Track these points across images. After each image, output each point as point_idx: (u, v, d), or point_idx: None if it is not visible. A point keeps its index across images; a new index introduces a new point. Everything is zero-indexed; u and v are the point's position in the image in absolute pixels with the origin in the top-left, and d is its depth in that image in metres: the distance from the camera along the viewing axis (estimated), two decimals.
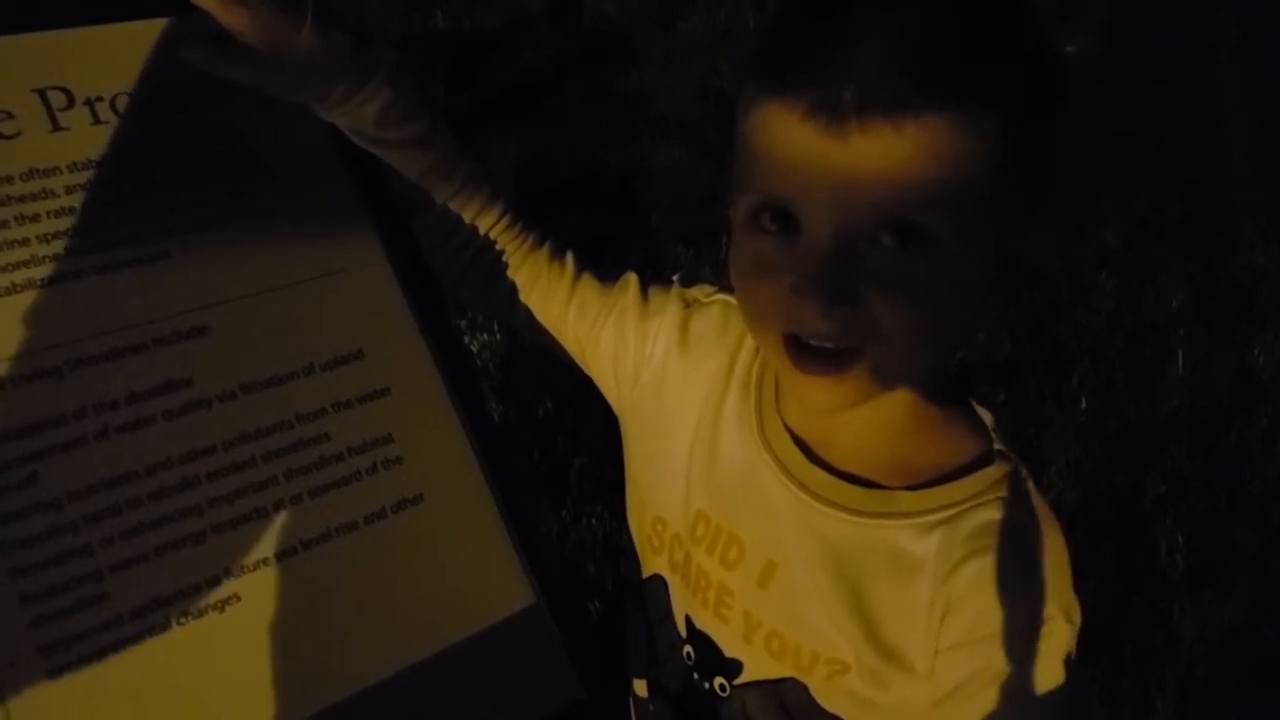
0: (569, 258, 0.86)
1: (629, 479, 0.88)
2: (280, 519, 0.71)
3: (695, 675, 0.83)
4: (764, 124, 0.63)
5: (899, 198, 0.59)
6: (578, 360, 0.88)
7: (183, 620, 0.67)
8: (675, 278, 0.87)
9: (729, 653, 0.80)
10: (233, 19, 0.72)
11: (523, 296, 0.86)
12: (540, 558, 0.79)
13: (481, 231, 0.84)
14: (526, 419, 2.26)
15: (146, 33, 0.76)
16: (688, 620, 0.83)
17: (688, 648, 0.83)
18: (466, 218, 0.83)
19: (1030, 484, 0.72)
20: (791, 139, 0.61)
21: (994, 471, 0.71)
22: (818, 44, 0.61)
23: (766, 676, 0.78)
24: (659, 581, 0.85)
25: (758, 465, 0.76)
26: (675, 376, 0.82)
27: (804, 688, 0.76)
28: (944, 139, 0.59)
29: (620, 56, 3.85)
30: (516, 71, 3.77)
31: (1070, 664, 0.70)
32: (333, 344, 0.76)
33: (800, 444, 0.74)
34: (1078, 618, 0.71)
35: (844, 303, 0.62)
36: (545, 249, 0.86)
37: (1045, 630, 0.69)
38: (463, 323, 2.34)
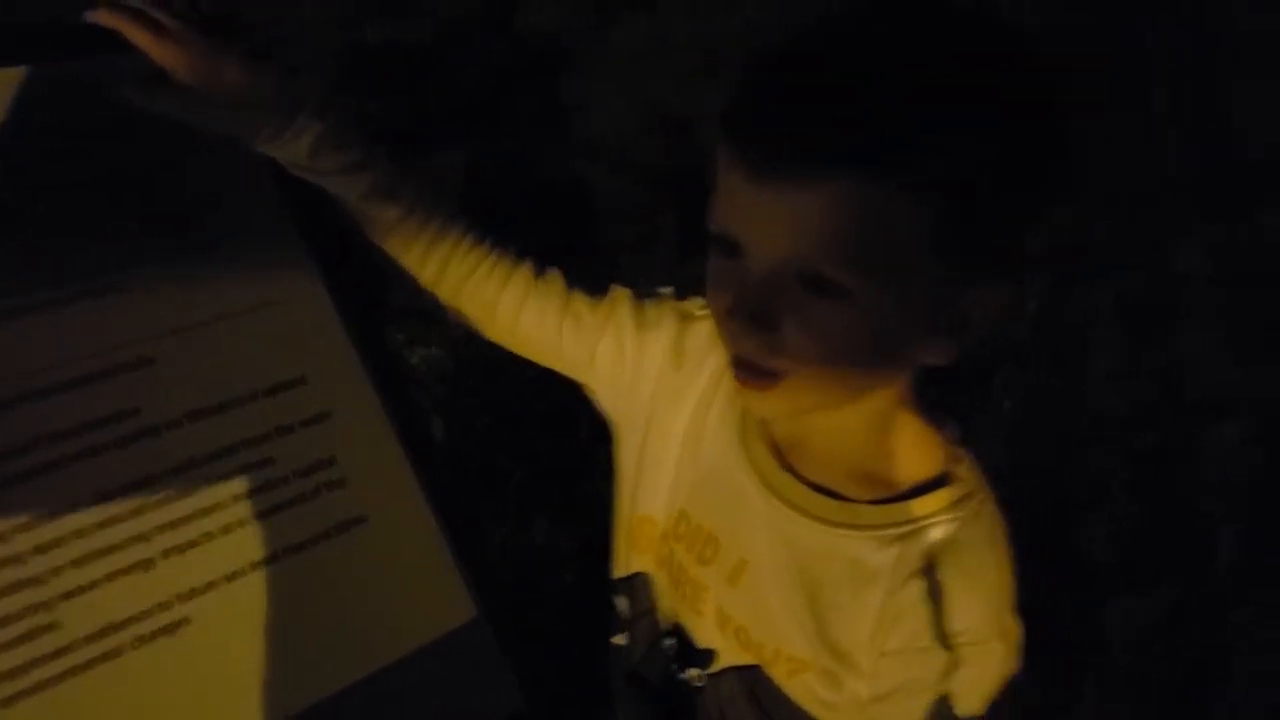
0: (555, 275, 0.88)
1: (619, 481, 0.91)
2: (227, 542, 0.73)
3: (674, 666, 0.87)
4: (720, 162, 0.67)
5: (807, 250, 0.63)
6: (571, 373, 0.90)
7: (134, 646, 0.69)
8: (667, 290, 0.90)
9: (703, 644, 0.85)
10: (166, 57, 0.75)
11: (511, 316, 0.87)
12: (483, 572, 0.82)
13: (447, 254, 0.85)
14: (466, 432, 2.27)
15: (85, 71, 0.78)
16: (671, 613, 0.87)
17: (669, 640, 0.88)
18: (425, 241, 0.84)
19: (988, 504, 0.75)
20: (732, 180, 0.65)
21: (953, 492, 0.74)
22: (756, 95, 0.65)
23: (738, 664, 0.82)
24: (643, 578, 0.89)
25: (736, 469, 0.80)
26: (670, 387, 0.86)
27: (771, 677, 0.81)
28: (853, 202, 0.61)
29: (556, 68, 3.86)
30: (452, 84, 3.76)
31: (1002, 683, 0.74)
32: (274, 370, 0.78)
33: (777, 452, 0.79)
34: (1016, 638, 0.75)
35: (763, 328, 0.66)
36: (527, 267, 0.88)
37: (979, 649, 0.73)
38: (400, 337, 2.35)
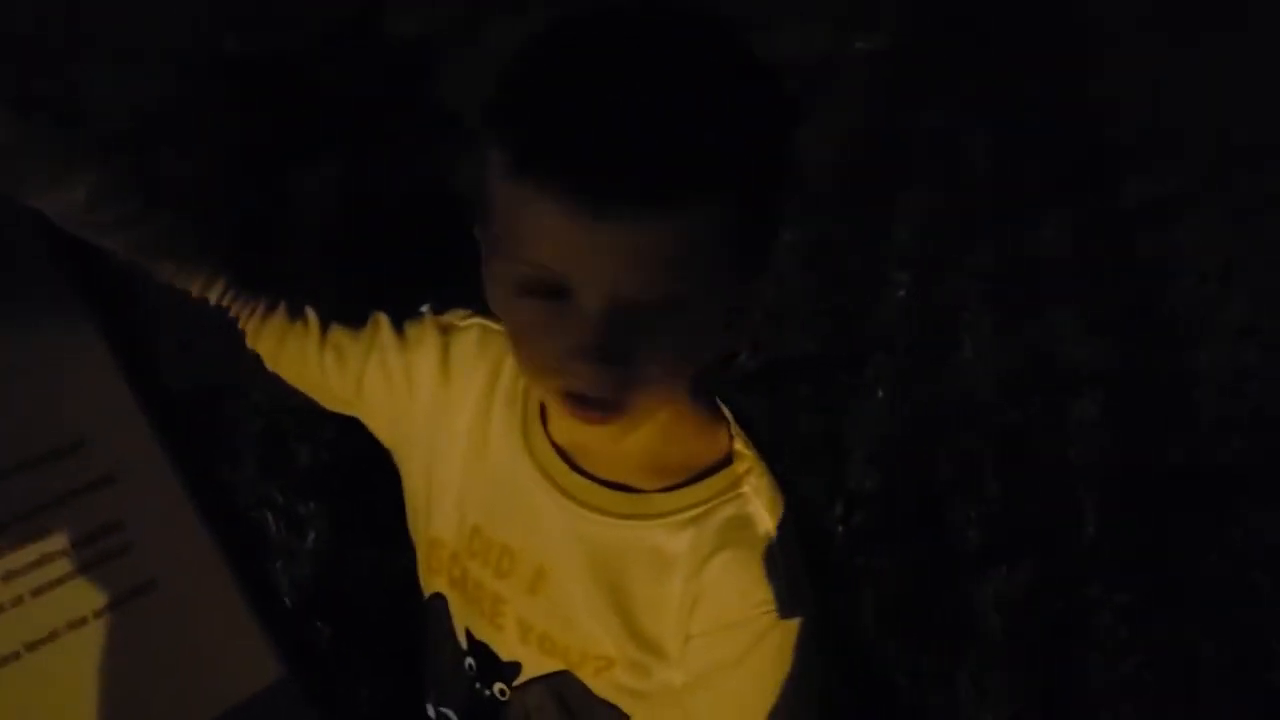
0: (309, 314, 0.86)
1: (409, 507, 0.91)
2: (2, 623, 0.70)
3: (477, 684, 0.87)
4: (526, 205, 0.65)
5: (649, 278, 0.64)
6: (343, 408, 0.89)
7: None
8: (425, 309, 0.88)
9: (506, 657, 0.84)
10: None
11: (272, 362, 0.87)
12: (287, 628, 0.80)
13: (212, 305, 0.83)
14: (336, 457, 2.23)
15: None
16: (468, 633, 0.87)
17: (469, 659, 0.87)
18: (198, 289, 0.82)
19: (766, 477, 0.78)
20: (557, 222, 0.63)
21: (735, 469, 0.77)
22: (567, 132, 0.63)
23: (543, 673, 0.83)
24: (439, 600, 0.89)
25: (524, 476, 0.80)
26: (442, 402, 0.85)
27: (578, 680, 0.81)
28: (683, 224, 0.63)
29: (425, 72, 3.81)
30: (319, 94, 3.69)
31: (801, 648, 0.77)
32: (50, 435, 0.75)
33: (562, 453, 0.79)
34: (808, 604, 0.78)
35: (616, 365, 0.67)
36: (281, 311, 0.86)
37: (778, 618, 0.75)
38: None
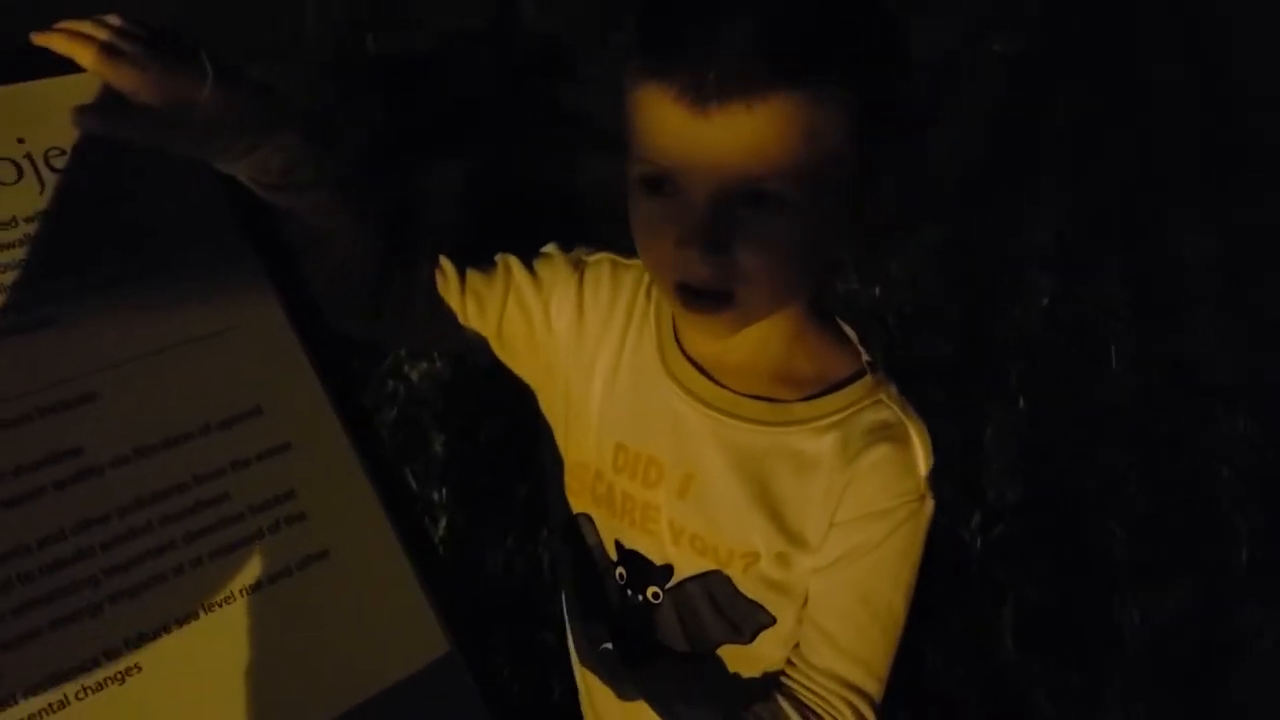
0: (445, 263, 0.90)
1: (555, 432, 0.95)
2: (180, 584, 0.70)
3: (629, 592, 0.92)
4: (644, 103, 0.72)
5: (755, 168, 0.70)
6: (492, 346, 0.92)
7: (81, 695, 0.65)
8: (550, 247, 0.93)
9: (659, 561, 0.90)
10: (125, 81, 0.71)
11: (417, 311, 0.89)
12: (455, 604, 0.79)
13: (367, 258, 0.86)
14: (470, 446, 2.24)
15: (29, 94, 0.75)
16: (617, 544, 0.91)
17: (620, 569, 0.92)
18: (349, 243, 0.85)
19: (895, 388, 0.86)
20: (666, 117, 0.70)
21: (869, 381, 0.85)
22: (684, 31, 0.69)
23: (695, 573, 0.88)
24: (585, 517, 0.93)
25: (665, 392, 0.86)
26: (577, 333, 0.90)
27: (728, 579, 0.87)
28: (793, 117, 0.68)
29: (560, 70, 3.85)
30: (457, 91, 3.75)
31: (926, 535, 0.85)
32: (228, 401, 0.75)
33: (700, 369, 0.86)
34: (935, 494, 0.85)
35: (718, 253, 0.72)
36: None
37: (916, 506, 0.83)
38: (400, 353, 2.32)
